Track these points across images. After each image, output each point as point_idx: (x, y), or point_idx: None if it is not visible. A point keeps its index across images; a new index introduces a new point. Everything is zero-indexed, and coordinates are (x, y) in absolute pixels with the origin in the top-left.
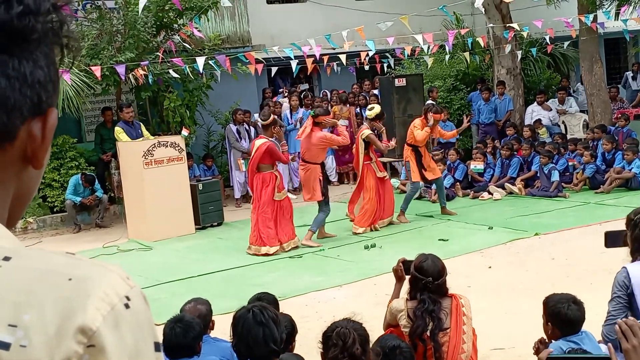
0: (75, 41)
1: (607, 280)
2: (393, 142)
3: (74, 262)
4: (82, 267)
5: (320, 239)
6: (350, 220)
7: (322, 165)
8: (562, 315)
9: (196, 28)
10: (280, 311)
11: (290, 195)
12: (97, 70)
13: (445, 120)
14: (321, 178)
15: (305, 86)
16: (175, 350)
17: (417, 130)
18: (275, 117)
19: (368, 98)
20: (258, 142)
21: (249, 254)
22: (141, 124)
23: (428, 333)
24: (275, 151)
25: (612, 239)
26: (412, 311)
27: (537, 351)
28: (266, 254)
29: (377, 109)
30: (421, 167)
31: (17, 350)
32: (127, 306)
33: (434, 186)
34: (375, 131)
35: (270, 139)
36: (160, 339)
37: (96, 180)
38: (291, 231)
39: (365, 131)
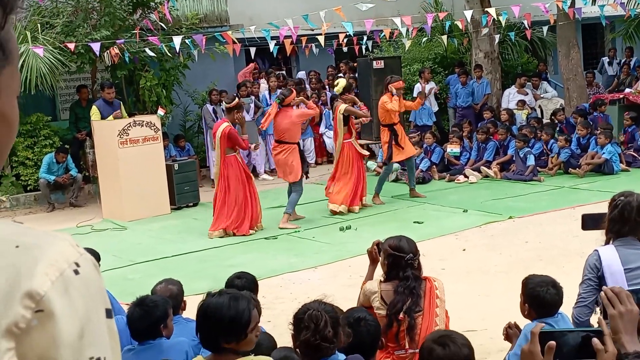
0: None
1: (579, 263)
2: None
3: (21, 231)
4: (30, 235)
5: (291, 220)
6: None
7: (299, 144)
8: (540, 298)
9: (173, 7)
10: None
11: (266, 176)
12: (71, 47)
13: (423, 103)
14: (299, 157)
15: (283, 72)
16: (138, 333)
17: (389, 104)
18: (242, 102)
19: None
20: (221, 126)
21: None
22: (121, 103)
23: (402, 313)
24: (236, 136)
25: (590, 222)
26: (392, 291)
27: (507, 337)
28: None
29: (342, 82)
30: (397, 147)
31: None
32: (76, 272)
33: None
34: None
35: (231, 123)
36: (110, 306)
37: (69, 154)
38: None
39: (342, 105)
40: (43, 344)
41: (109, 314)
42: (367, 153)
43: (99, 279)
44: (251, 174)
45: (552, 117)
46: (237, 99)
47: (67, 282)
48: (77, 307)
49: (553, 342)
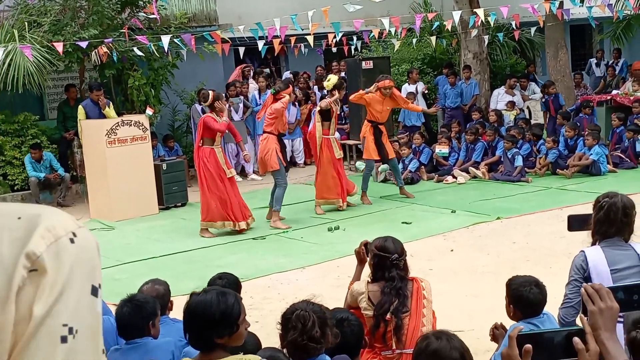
0: None
1: (566, 264)
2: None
3: (25, 205)
4: (32, 208)
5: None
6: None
7: (279, 137)
8: (524, 298)
9: (162, 6)
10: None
11: (255, 177)
12: (59, 47)
13: (413, 101)
14: (277, 149)
15: (267, 70)
16: (126, 330)
17: (375, 103)
18: (216, 92)
19: None
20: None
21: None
22: (110, 103)
23: (389, 314)
24: (209, 122)
25: (576, 223)
26: (380, 291)
27: (493, 337)
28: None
29: (333, 78)
30: (378, 145)
31: None
32: (72, 241)
33: None
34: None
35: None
36: (101, 285)
37: (42, 148)
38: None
39: (321, 103)
40: (28, 302)
41: (94, 291)
42: (340, 156)
43: (94, 254)
44: (225, 171)
45: (544, 90)
46: (210, 93)
47: (60, 249)
48: (64, 270)
49: (529, 345)
